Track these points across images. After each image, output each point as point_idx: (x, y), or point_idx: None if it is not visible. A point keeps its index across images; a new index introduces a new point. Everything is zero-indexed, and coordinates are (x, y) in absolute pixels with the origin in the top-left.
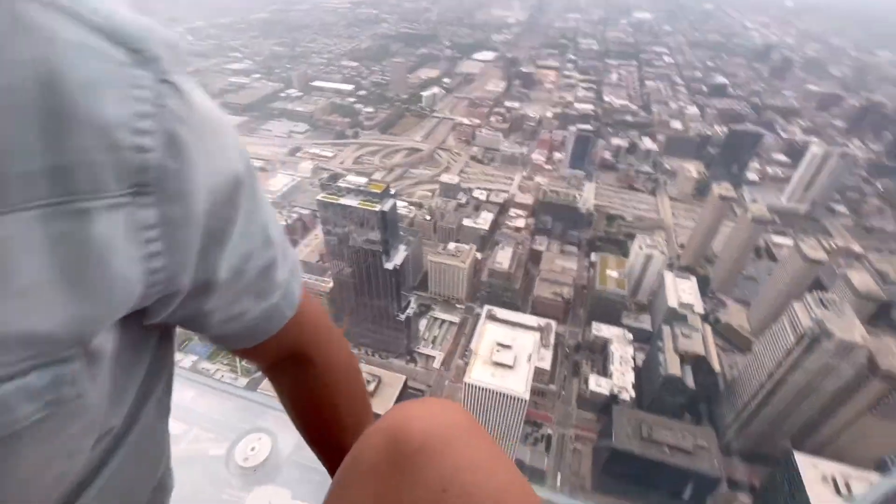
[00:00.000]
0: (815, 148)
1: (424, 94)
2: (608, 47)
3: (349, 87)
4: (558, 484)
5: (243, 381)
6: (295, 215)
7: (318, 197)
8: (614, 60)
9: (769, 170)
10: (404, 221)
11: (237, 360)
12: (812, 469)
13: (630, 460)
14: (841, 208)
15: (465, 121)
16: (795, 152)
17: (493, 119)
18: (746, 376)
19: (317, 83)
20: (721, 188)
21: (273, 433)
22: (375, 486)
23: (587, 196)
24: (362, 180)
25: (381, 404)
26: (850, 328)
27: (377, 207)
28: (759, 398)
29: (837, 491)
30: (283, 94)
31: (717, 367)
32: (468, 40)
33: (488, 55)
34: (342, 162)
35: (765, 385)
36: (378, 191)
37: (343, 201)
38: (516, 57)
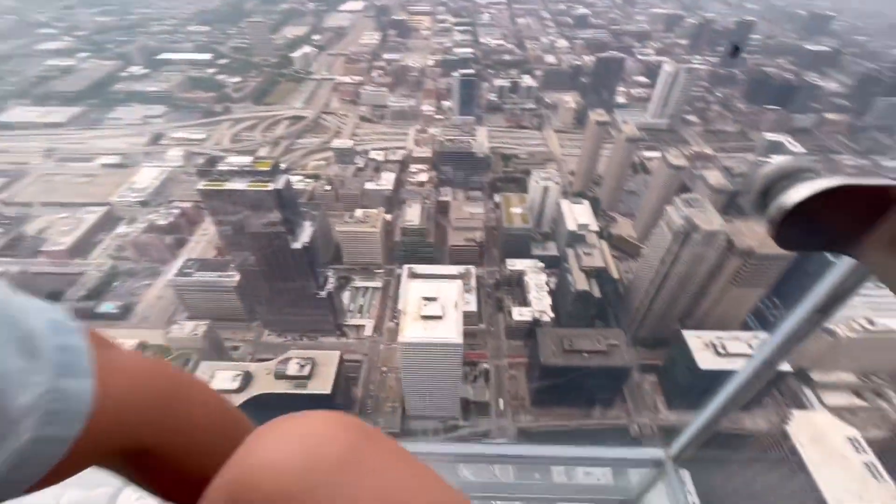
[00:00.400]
0: (667, 67)
1: (295, 55)
2: None
3: (206, 56)
4: (501, 408)
5: None
6: (176, 211)
7: (200, 186)
8: (484, 0)
9: (633, 91)
10: (304, 196)
11: None
12: (697, 340)
13: (558, 372)
14: (692, 118)
15: (346, 79)
16: (652, 72)
17: (374, 74)
18: (639, 277)
19: (165, 56)
20: (596, 114)
21: None
22: None
23: (481, 140)
24: (246, 160)
25: (321, 384)
26: (710, 220)
27: (270, 186)
28: (651, 293)
29: (717, 353)
30: (124, 74)
31: (616, 275)
32: None
33: (356, 5)
34: (218, 143)
35: (654, 281)
36: (266, 168)
37: (230, 186)
38: (386, 5)
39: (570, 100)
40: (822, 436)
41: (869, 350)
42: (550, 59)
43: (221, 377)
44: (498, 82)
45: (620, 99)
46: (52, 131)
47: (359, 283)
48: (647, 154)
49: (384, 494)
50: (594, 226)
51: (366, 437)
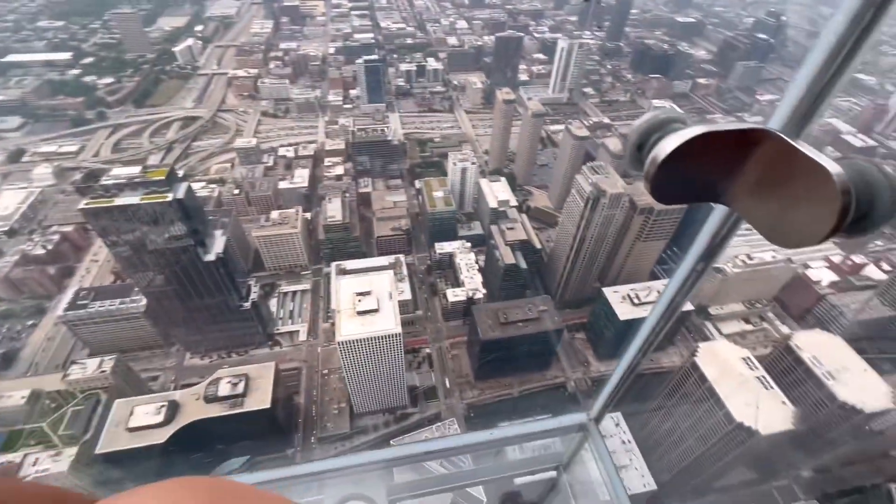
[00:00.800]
0: (562, 43)
1: (177, 49)
2: None
3: (65, 55)
4: (447, 385)
5: (70, 452)
6: (55, 237)
7: (82, 205)
8: None
9: (534, 69)
10: (210, 203)
11: (49, 431)
12: (615, 295)
13: (497, 345)
14: (589, 90)
15: (241, 73)
16: (549, 49)
17: (272, 66)
18: (559, 244)
19: (11, 58)
20: (503, 93)
21: None
22: None
23: (394, 127)
24: (135, 170)
25: (259, 400)
26: (614, 183)
27: (168, 197)
28: (571, 257)
29: (633, 303)
30: None
31: (538, 245)
32: None
33: None
34: (96, 154)
35: (572, 246)
36: (161, 177)
37: (119, 202)
38: None
39: (476, 80)
40: (723, 361)
41: (750, 281)
42: (452, 40)
43: (142, 413)
44: (404, 67)
45: (523, 76)
46: None
47: (285, 287)
48: (553, 128)
49: None
50: (513, 201)
51: (219, 501)
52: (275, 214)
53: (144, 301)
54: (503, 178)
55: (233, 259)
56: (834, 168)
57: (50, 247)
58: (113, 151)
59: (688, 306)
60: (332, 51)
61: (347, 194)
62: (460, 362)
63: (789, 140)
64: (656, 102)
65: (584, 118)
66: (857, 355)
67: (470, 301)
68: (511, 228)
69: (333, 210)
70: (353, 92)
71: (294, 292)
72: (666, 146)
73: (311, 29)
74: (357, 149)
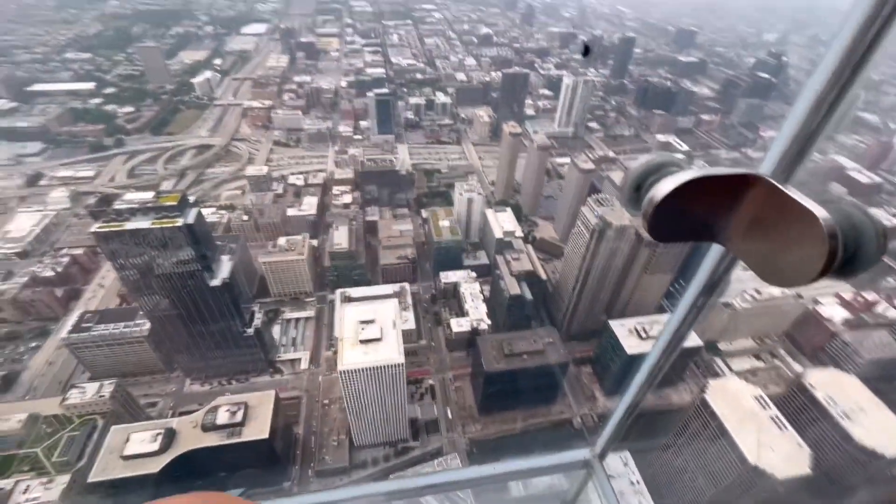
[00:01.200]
0: (567, 80)
1: (196, 80)
2: (381, 8)
3: (88, 85)
4: (450, 418)
5: (62, 480)
6: (65, 259)
7: (94, 228)
8: (391, 21)
9: (540, 104)
10: (218, 228)
11: (43, 457)
12: (622, 328)
13: (502, 377)
14: (594, 125)
15: (256, 104)
16: (554, 85)
17: (286, 97)
18: (565, 276)
19: (37, 87)
20: (510, 127)
21: None
22: None
23: (402, 158)
24: (148, 195)
25: (257, 429)
26: (620, 215)
27: (179, 222)
28: (577, 289)
29: (640, 337)
30: None
31: (543, 276)
32: (230, 13)
33: (259, 28)
34: (112, 179)
35: (578, 277)
36: (173, 202)
37: (131, 226)
38: (291, 27)
39: (483, 114)
40: (734, 399)
41: (760, 316)
42: (461, 76)
43: (137, 440)
44: (413, 100)
45: (529, 111)
46: None
47: (289, 314)
48: (559, 160)
49: None
50: (519, 231)
51: None
52: (282, 241)
53: (148, 325)
54: (509, 209)
55: (238, 284)
56: (821, 213)
57: (59, 269)
58: (128, 177)
59: (696, 341)
60: (344, 84)
61: (354, 222)
62: (464, 394)
63: (778, 185)
64: (660, 137)
65: (590, 152)
66: (873, 396)
67: (474, 332)
68: (517, 259)
69: (340, 237)
70: (363, 123)
71: (298, 319)
72: (662, 188)
73: (325, 64)
74: (365, 178)
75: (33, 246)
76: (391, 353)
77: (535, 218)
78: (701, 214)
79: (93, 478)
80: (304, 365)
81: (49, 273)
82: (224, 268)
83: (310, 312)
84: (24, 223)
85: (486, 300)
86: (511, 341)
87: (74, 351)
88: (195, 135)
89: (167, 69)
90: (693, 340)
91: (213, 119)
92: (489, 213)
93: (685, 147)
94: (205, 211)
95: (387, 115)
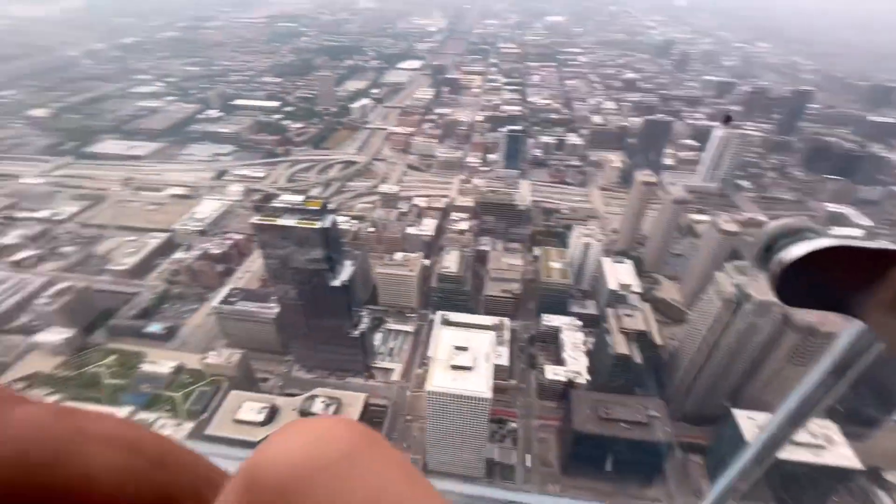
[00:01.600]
0: (718, 131)
1: (354, 105)
2: (527, 50)
3: (274, 103)
4: (528, 467)
5: (188, 426)
6: (229, 241)
7: (254, 219)
8: (534, 62)
9: (681, 154)
10: (347, 236)
11: (179, 402)
12: (749, 422)
13: (592, 441)
14: (745, 183)
15: (399, 130)
16: (702, 136)
17: (425, 126)
18: (685, 345)
19: (238, 102)
20: (643, 175)
21: None
22: None
23: (524, 193)
24: (298, 198)
25: None
26: (764, 289)
27: (317, 225)
28: (698, 364)
29: None
30: (201, 116)
31: (658, 340)
32: (393, 50)
33: (414, 63)
34: (275, 181)
35: (701, 350)
36: (316, 207)
37: (280, 222)
38: (442, 64)
39: (615, 159)
40: None
41: None
42: (597, 119)
43: (248, 408)
44: (544, 139)
45: (668, 161)
46: (134, 163)
47: (392, 325)
48: (696, 217)
49: (378, 494)
50: (637, 287)
51: (369, 442)
52: (398, 256)
53: (276, 309)
54: (629, 262)
55: (354, 289)
56: None
57: (224, 249)
58: (287, 181)
59: (856, 463)
60: (479, 118)
61: (467, 249)
62: (547, 447)
63: None
64: (832, 206)
65: (735, 212)
66: None
67: (569, 383)
68: (629, 316)
69: (450, 261)
70: (491, 156)
71: (398, 331)
72: (794, 251)
73: (465, 98)
74: (484, 208)
75: (209, 227)
76: (479, 385)
77: (658, 275)
78: (837, 285)
79: (209, 431)
80: (396, 377)
81: (216, 251)
82: (345, 272)
83: (410, 327)
84: (207, 208)
85: (587, 353)
86: (609, 404)
87: (219, 319)
88: (345, 151)
89: (334, 94)
90: (847, 459)
91: (362, 140)
92: (606, 261)
93: (867, 222)
94: (339, 218)
95: (515, 151)
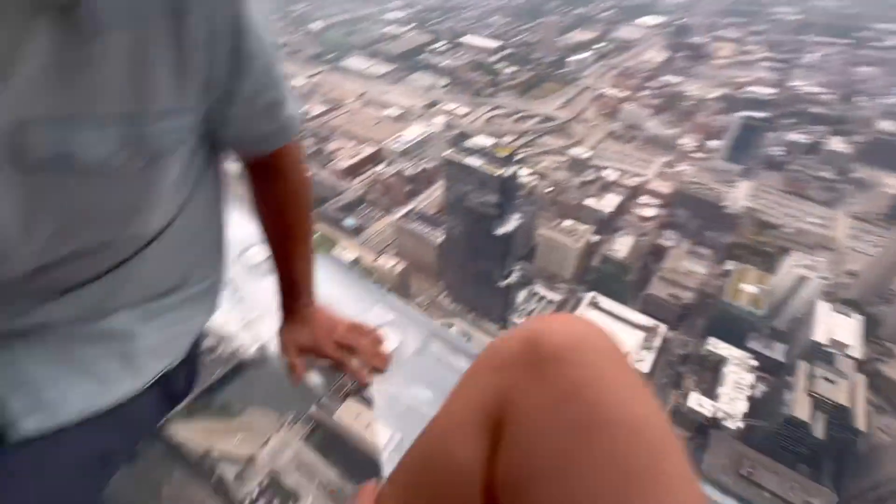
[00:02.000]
0: None
1: (571, 58)
2: (812, 19)
3: (495, 44)
4: None
5: None
6: (420, 168)
7: (445, 153)
8: (818, 37)
9: None
10: (524, 190)
11: None
12: None
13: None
14: None
15: (611, 92)
16: None
17: (643, 93)
18: None
19: (464, 39)
20: None
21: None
22: (504, 380)
23: (739, 195)
24: (489, 142)
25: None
26: None
27: (498, 172)
28: None
29: None
30: (430, 48)
31: (862, 425)
32: (635, 1)
33: (653, 20)
34: (474, 121)
35: None
36: (503, 155)
37: (467, 161)
38: (687, 24)
39: (892, 183)
40: None
41: None
42: (885, 125)
43: None
44: (792, 136)
45: None
46: (369, 80)
47: (539, 288)
48: None
49: (632, 390)
50: (857, 351)
51: (618, 348)
52: (567, 223)
53: (441, 238)
54: (858, 317)
55: (514, 242)
56: None
57: (415, 172)
58: (485, 123)
59: None
60: (713, 95)
61: (644, 238)
62: None
63: None
64: None
65: None
66: None
67: (713, 421)
68: (830, 381)
69: (622, 245)
70: (712, 143)
71: (543, 297)
72: None
73: (703, 69)
74: (681, 200)
75: (410, 150)
76: None
77: (893, 346)
78: None
79: None
80: None
81: (409, 172)
82: (511, 224)
83: (557, 296)
84: (413, 132)
85: (751, 399)
86: (757, 464)
87: (396, 230)
88: (548, 104)
89: (553, 44)
90: None
91: (569, 95)
92: (823, 306)
93: None
94: (521, 171)
95: (746, 143)
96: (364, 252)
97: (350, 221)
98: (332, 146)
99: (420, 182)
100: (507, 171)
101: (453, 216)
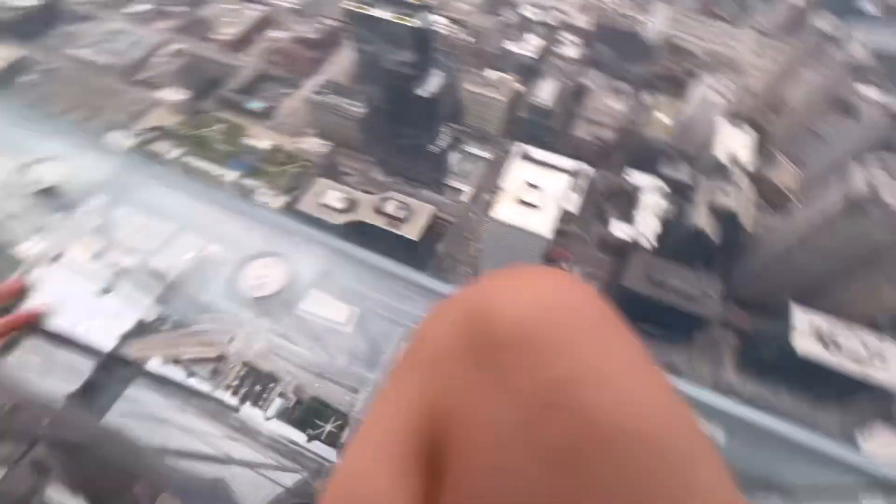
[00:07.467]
0: None
1: None
2: None
3: None
4: None
5: (283, 198)
6: (321, 26)
7: (345, 4)
8: None
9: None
10: (442, 42)
11: (276, 175)
12: (804, 318)
13: (635, 299)
14: None
15: None
16: None
17: None
18: (774, 238)
19: None
20: (822, 21)
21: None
22: (440, 382)
23: (658, 23)
24: None
25: (411, 230)
26: None
27: (411, 23)
28: (779, 257)
29: (823, 342)
30: None
31: (748, 226)
32: None
33: None
34: None
35: (791, 248)
36: (417, 2)
37: (373, 12)
38: None
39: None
40: None
41: None
42: None
43: (331, 196)
44: None
45: (870, 7)
46: None
47: (471, 148)
48: (864, 91)
49: (634, 373)
50: (748, 163)
51: (603, 312)
52: (493, 75)
53: (363, 110)
54: (753, 133)
55: (441, 103)
56: None
57: (317, 35)
58: None
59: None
60: None
61: (568, 81)
62: None
63: None
64: None
65: None
66: None
67: (632, 244)
68: (725, 193)
69: (546, 92)
70: None
71: (476, 155)
72: None
73: None
74: (602, 35)
75: (305, 7)
76: (542, 225)
77: (781, 155)
78: None
79: (298, 206)
80: (464, 198)
81: (310, 35)
82: (434, 82)
83: (488, 154)
84: None
85: (663, 219)
86: (666, 271)
87: (312, 108)
88: None
89: None
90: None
91: None
92: (722, 124)
93: None
94: (439, 19)
95: None
96: (281, 137)
97: (256, 104)
98: (206, 12)
99: (325, 46)
100: (421, 21)
101: (369, 81)
